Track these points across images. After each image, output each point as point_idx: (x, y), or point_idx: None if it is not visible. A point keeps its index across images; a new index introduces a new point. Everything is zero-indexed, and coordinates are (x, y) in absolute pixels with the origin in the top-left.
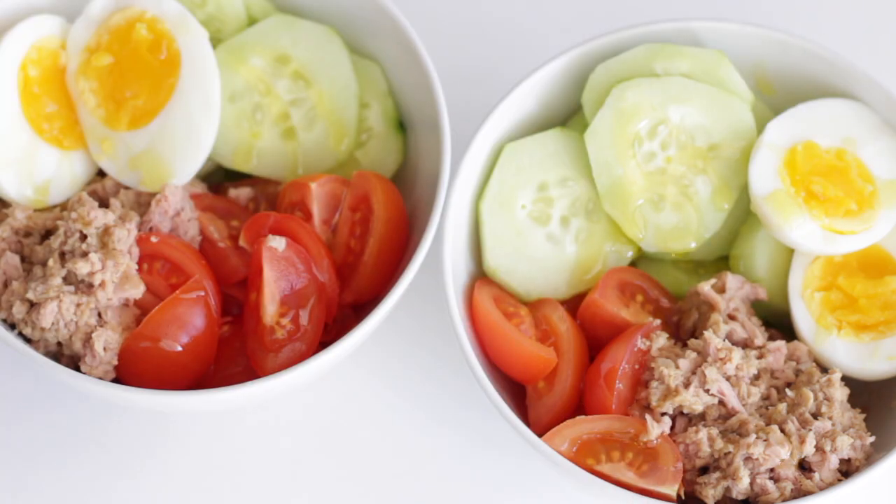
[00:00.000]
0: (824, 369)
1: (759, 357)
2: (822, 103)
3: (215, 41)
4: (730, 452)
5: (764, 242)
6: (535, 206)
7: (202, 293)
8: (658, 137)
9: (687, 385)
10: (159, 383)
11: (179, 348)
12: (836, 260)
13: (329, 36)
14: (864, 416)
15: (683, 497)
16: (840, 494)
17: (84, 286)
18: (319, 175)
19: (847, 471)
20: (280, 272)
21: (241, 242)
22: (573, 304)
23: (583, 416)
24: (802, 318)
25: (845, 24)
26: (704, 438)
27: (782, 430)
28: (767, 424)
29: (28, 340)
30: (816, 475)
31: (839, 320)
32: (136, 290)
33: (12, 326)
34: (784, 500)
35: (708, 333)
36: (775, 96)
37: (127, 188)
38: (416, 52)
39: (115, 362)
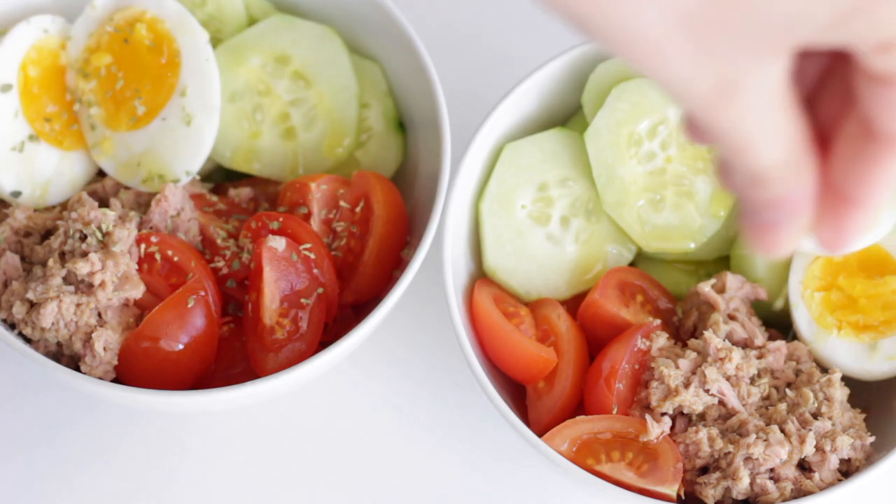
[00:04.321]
0: (824, 369)
1: (759, 357)
2: None
3: (215, 41)
4: (730, 452)
5: None
6: (535, 206)
7: (202, 293)
8: (658, 137)
9: (687, 385)
10: (159, 383)
11: (180, 348)
12: (836, 260)
13: (329, 36)
14: (864, 416)
15: (683, 497)
16: (840, 494)
17: (84, 286)
18: (319, 175)
19: (847, 471)
20: (280, 272)
21: (241, 242)
22: (573, 304)
23: (583, 416)
24: (802, 318)
25: None
26: (704, 438)
27: (782, 430)
28: (767, 424)
29: (28, 340)
30: (816, 475)
31: (839, 320)
32: (136, 290)
33: (12, 326)
34: (784, 500)
35: (708, 333)
36: None
37: (127, 188)
38: (416, 52)
39: (115, 362)
